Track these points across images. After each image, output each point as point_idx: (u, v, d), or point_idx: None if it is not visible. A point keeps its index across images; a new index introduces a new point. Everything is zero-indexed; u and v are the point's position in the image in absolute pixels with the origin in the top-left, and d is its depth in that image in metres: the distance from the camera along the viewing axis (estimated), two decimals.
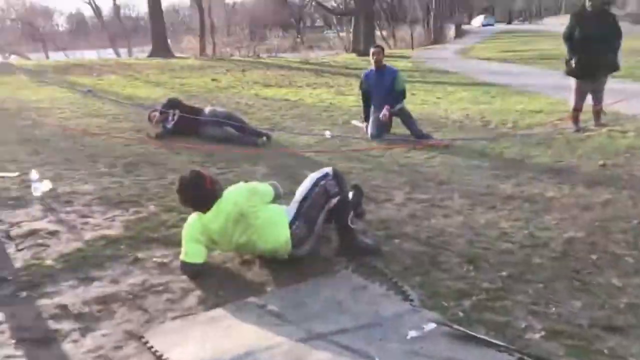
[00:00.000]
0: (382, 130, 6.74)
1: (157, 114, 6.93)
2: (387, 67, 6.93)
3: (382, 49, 6.95)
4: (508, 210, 4.15)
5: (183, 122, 6.66)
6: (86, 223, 3.86)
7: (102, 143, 6.42)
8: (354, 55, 26.00)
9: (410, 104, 8.94)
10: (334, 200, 3.25)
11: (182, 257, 3.13)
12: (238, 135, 6.47)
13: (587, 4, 6.65)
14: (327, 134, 6.98)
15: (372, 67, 6.93)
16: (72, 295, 2.88)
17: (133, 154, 5.86)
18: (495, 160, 5.73)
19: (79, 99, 9.71)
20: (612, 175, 5.00)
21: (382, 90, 6.79)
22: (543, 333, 2.52)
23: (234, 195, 3.16)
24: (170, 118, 6.78)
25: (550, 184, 4.82)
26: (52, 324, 2.61)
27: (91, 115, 8.18)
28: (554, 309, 2.75)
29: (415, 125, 6.68)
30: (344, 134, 7.08)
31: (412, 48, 33.03)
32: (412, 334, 2.44)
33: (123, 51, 36.97)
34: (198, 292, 2.92)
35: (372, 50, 6.93)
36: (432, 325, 2.49)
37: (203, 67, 16.92)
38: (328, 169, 3.34)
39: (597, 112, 6.93)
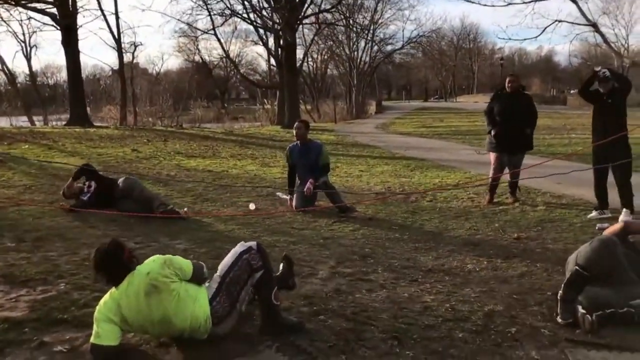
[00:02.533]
0: (307, 202, 6.77)
1: (70, 187, 6.63)
2: (312, 141, 7.05)
3: (306, 124, 7.07)
4: (430, 284, 4.20)
5: (99, 195, 6.41)
6: None
7: (10, 215, 6.05)
8: (278, 127, 26.39)
9: (334, 177, 9.13)
10: (258, 275, 3.17)
11: (92, 339, 2.91)
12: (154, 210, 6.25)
13: (507, 86, 7.15)
14: (252, 206, 6.93)
15: (297, 141, 7.03)
16: None
17: (44, 227, 5.54)
18: (416, 232, 5.86)
19: None
20: (526, 248, 5.21)
21: (307, 164, 6.87)
22: None
23: (147, 266, 3.01)
24: (85, 190, 6.51)
25: (469, 256, 4.95)
26: None
27: (0, 186, 7.74)
28: None
29: (339, 197, 6.77)
30: (268, 206, 7.06)
31: (335, 122, 34.02)
32: None
33: (38, 119, 35.75)
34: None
35: (295, 125, 7.04)
36: None
37: (123, 136, 16.58)
38: (252, 243, 3.28)
39: (513, 188, 7.29)
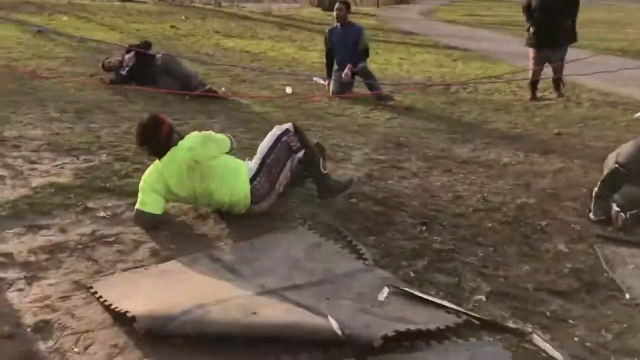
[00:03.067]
0: (344, 88, 6.68)
1: (111, 60, 6.65)
2: (352, 24, 6.82)
3: (347, 5, 6.79)
4: (463, 174, 4.21)
5: (137, 69, 6.41)
6: (34, 169, 3.71)
7: (53, 86, 6.15)
8: (319, 9, 25.45)
9: (373, 64, 8.89)
10: (298, 155, 3.23)
11: (137, 205, 3.06)
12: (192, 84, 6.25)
13: None
14: (288, 89, 6.88)
15: (337, 23, 6.80)
16: (17, 243, 2.78)
17: (86, 100, 5.64)
18: (454, 123, 5.78)
19: (28, 39, 9.22)
20: (566, 144, 5.12)
21: (346, 48, 6.70)
22: (490, 295, 2.58)
23: (189, 141, 3.08)
24: (125, 64, 6.52)
25: (506, 150, 4.90)
26: None
27: (42, 57, 7.79)
28: (502, 272, 2.82)
29: (377, 85, 6.65)
30: (305, 91, 7.00)
31: (378, 6, 32.62)
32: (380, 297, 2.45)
33: None
34: (150, 245, 2.86)
35: (336, 6, 6.77)
36: (386, 290, 2.50)
37: (162, 12, 16.29)
38: (288, 125, 3.29)
39: (557, 83, 7.02)
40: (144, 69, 6.39)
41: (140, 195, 3.06)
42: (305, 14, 22.47)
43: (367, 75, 6.64)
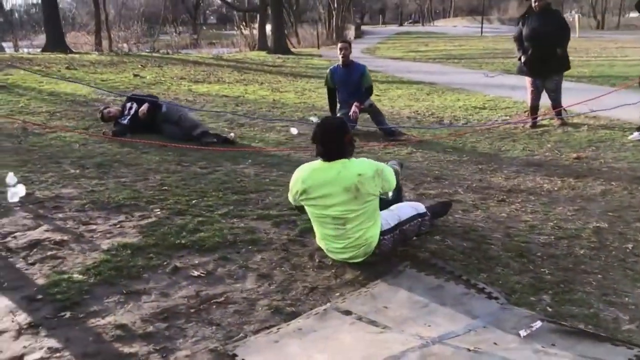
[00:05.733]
0: (351, 127, 6.64)
1: (110, 110, 6.37)
2: (354, 63, 6.84)
3: (350, 44, 6.83)
4: (519, 204, 4.21)
5: (138, 117, 6.16)
6: (92, 230, 3.43)
7: (52, 142, 5.79)
8: (264, 53, 25.59)
9: None
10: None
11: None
12: (202, 134, 6.04)
13: (533, 4, 6.90)
14: (293, 130, 6.78)
15: (339, 63, 6.80)
16: (125, 312, 2.52)
17: (97, 154, 5.32)
18: (472, 154, 5.83)
19: None
20: (591, 167, 5.23)
21: (350, 87, 6.70)
22: (637, 323, 2.54)
23: (362, 166, 2.97)
24: (126, 112, 6.25)
25: (539, 176, 4.96)
26: (122, 347, 2.26)
27: (22, 112, 7.36)
28: (626, 298, 2.79)
29: (385, 121, 6.66)
30: (306, 130, 6.90)
31: (318, 47, 33.20)
32: (523, 333, 2.36)
33: (7, 45, 33.97)
34: (264, 302, 2.67)
35: (339, 44, 6.79)
36: (539, 323, 2.42)
37: (113, 62, 15.89)
38: (425, 210, 3.29)
39: (558, 111, 7.18)
40: (147, 118, 6.15)
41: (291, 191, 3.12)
42: (253, 57, 22.50)
43: (375, 112, 6.64)
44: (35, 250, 3.12)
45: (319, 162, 3.04)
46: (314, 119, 7.55)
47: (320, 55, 24.36)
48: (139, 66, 14.99)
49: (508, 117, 7.92)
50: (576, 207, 4.13)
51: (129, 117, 6.22)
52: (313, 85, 12.55)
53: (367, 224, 2.97)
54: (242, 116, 7.64)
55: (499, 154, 5.83)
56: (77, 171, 4.72)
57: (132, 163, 5.05)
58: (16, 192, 3.87)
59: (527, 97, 7.28)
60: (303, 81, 13.38)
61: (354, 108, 6.54)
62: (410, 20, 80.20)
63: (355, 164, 2.97)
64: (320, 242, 3.15)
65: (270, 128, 7.10)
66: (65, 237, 3.29)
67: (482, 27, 39.73)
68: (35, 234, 3.34)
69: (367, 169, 2.95)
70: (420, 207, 3.29)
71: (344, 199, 2.91)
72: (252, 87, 11.76)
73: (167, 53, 23.40)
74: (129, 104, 6.31)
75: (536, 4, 6.91)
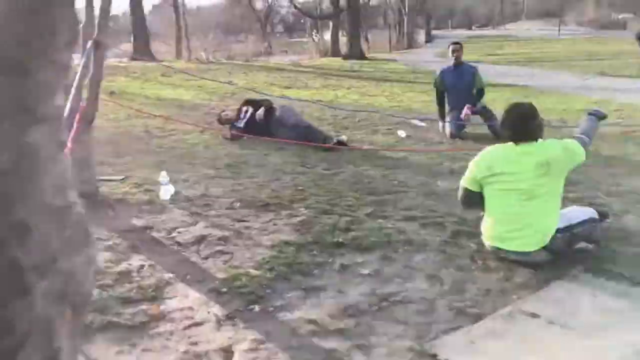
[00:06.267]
0: (461, 129, 6.57)
1: (228, 113, 6.57)
2: (465, 64, 6.76)
3: (461, 45, 6.76)
4: None
5: (254, 122, 6.32)
6: (248, 227, 3.53)
7: (175, 144, 6.02)
8: (338, 59, 25.70)
9: None
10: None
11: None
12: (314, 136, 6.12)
13: None
14: (401, 133, 6.76)
15: (451, 64, 6.74)
16: (309, 308, 2.57)
17: (222, 155, 5.50)
18: (597, 157, 5.56)
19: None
20: None
21: (461, 88, 6.63)
22: None
23: (552, 143, 3.08)
24: (242, 116, 6.42)
25: None
26: (320, 342, 2.30)
27: (138, 117, 7.70)
28: None
29: (497, 122, 6.53)
30: (411, 133, 6.87)
31: (390, 51, 33.13)
32: None
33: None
34: (443, 302, 2.66)
35: (452, 47, 6.74)
36: None
37: (201, 69, 16.39)
38: (595, 214, 3.22)
39: None
40: (262, 120, 6.29)
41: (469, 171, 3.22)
42: (329, 63, 22.67)
43: (489, 115, 6.53)
44: (203, 245, 3.25)
45: (509, 144, 3.10)
46: (418, 123, 7.52)
47: (395, 60, 24.28)
48: (227, 72, 15.39)
49: (621, 120, 7.60)
50: None
51: (244, 120, 6.39)
52: (401, 89, 12.51)
53: (550, 207, 2.99)
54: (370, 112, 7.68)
55: (625, 157, 5.59)
56: (211, 171, 4.89)
57: (259, 164, 5.18)
58: (168, 189, 4.03)
59: None
60: (388, 85, 13.36)
61: (465, 110, 6.46)
62: (478, 25, 78.69)
63: (544, 143, 3.08)
64: (489, 229, 3.13)
65: (374, 131, 7.11)
66: (227, 234, 3.41)
67: (559, 29, 38.52)
68: (197, 230, 3.47)
69: (556, 145, 3.07)
70: (592, 212, 3.20)
71: (534, 173, 2.96)
72: (340, 91, 11.84)
73: (247, 60, 23.91)
74: (244, 108, 6.48)
75: None
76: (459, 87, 6.64)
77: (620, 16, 57.63)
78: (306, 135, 6.04)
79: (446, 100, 6.85)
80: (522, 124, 3.05)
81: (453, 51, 6.66)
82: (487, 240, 3.16)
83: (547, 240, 2.98)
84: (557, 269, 2.98)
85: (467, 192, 3.23)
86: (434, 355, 2.22)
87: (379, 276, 2.91)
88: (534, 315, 2.51)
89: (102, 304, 2.52)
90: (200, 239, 3.32)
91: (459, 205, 3.67)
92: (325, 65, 20.64)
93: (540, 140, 3.06)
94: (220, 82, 12.63)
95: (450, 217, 3.74)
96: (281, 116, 6.32)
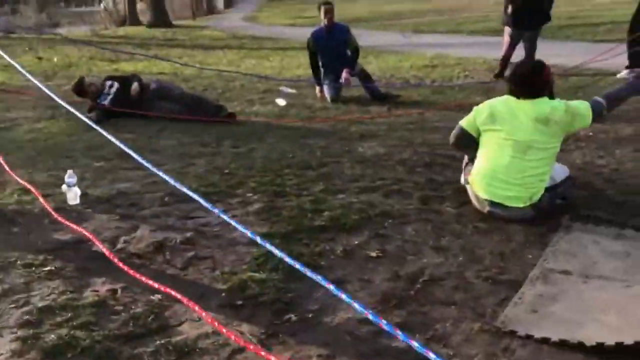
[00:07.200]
0: (339, 92, 6.44)
1: (94, 81, 5.66)
2: (337, 24, 6.56)
3: (333, 6, 6.50)
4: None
5: (124, 96, 5.51)
6: (205, 225, 3.02)
7: (34, 137, 5.01)
8: (141, 27, 23.87)
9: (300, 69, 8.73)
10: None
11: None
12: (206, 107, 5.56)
13: None
14: (281, 101, 6.43)
15: (322, 24, 6.49)
16: (347, 305, 2.24)
17: (101, 143, 4.60)
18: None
19: None
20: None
21: (334, 50, 6.44)
22: None
23: (554, 102, 3.03)
24: (105, 91, 5.56)
25: None
26: (392, 342, 2.01)
27: None
28: None
29: (376, 86, 6.53)
30: (290, 99, 6.60)
31: (194, 18, 31.80)
32: None
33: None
34: (470, 273, 2.51)
35: (324, 7, 6.42)
36: None
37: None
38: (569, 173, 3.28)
39: None
40: (136, 96, 5.51)
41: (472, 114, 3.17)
42: (136, 32, 20.99)
43: (366, 77, 6.46)
44: (167, 253, 2.69)
45: (512, 97, 3.07)
46: (287, 89, 7.25)
47: (207, 26, 23.32)
48: (26, 49, 13.44)
49: (467, 73, 8.12)
50: None
51: (110, 96, 5.53)
52: (237, 55, 12.06)
53: (543, 164, 3.00)
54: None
55: None
56: (103, 163, 4.14)
57: (153, 149, 4.53)
58: (76, 192, 3.29)
59: (503, 48, 7.41)
60: (221, 53, 12.78)
61: (344, 74, 6.33)
62: None
63: (549, 101, 3.03)
64: (478, 176, 3.09)
65: (250, 101, 6.69)
66: (187, 235, 2.87)
67: None
68: (146, 236, 2.88)
69: (560, 105, 3.01)
70: (567, 169, 3.28)
71: (532, 127, 2.96)
72: (164, 64, 10.94)
73: (39, 33, 21.17)
74: (108, 83, 5.61)
75: None
76: (332, 49, 6.45)
77: None
78: (196, 107, 5.45)
79: (320, 62, 6.62)
80: (526, 80, 3.03)
81: (326, 12, 6.38)
82: (474, 187, 3.12)
83: (535, 199, 3.00)
84: (545, 221, 3.00)
85: (464, 133, 3.21)
86: (513, 332, 2.06)
87: (388, 256, 2.66)
88: (566, 272, 2.48)
89: (101, 350, 1.92)
90: (159, 246, 2.75)
91: (400, 169, 3.76)
92: (137, 35, 19.09)
93: (545, 97, 3.03)
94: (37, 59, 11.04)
95: (404, 183, 3.60)
96: (159, 89, 5.61)
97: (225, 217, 2.46)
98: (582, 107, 3.06)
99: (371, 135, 4.91)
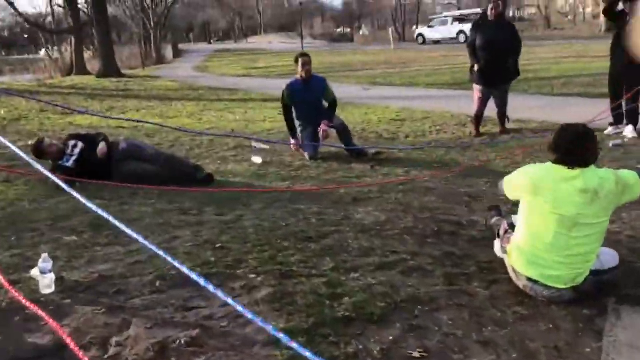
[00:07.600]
0: (317, 149, 6.15)
1: (54, 142, 5.14)
2: (314, 76, 6.32)
3: (310, 58, 6.26)
4: None
5: (90, 158, 5.04)
6: (209, 318, 2.58)
7: None
8: (90, 77, 23.21)
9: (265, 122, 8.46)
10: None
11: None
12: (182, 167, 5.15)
13: (490, 12, 6.96)
14: (257, 159, 6.07)
15: (299, 76, 6.23)
16: None
17: (68, 212, 4.18)
18: (469, 170, 5.59)
19: None
20: None
21: (311, 103, 6.19)
22: None
23: (603, 171, 2.76)
24: (68, 151, 5.07)
25: None
26: None
27: None
28: None
29: (353, 141, 6.28)
30: (273, 158, 6.25)
31: (143, 68, 31.31)
32: None
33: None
34: None
35: (302, 59, 6.17)
36: None
37: None
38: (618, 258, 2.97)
39: (502, 118, 7.36)
40: (104, 158, 5.05)
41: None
42: (85, 82, 20.37)
43: (346, 132, 6.19)
44: (174, 359, 2.24)
45: (558, 166, 2.75)
46: (259, 145, 6.89)
47: (158, 77, 22.89)
48: None
49: (439, 128, 8.01)
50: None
51: (73, 157, 5.04)
52: (196, 108, 11.71)
53: (591, 242, 2.74)
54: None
55: (487, 166, 5.73)
56: (75, 238, 3.65)
57: (130, 219, 4.04)
58: (52, 278, 2.80)
59: (474, 106, 7.34)
60: (180, 105, 12.39)
61: (323, 127, 6.06)
62: (217, 38, 79.56)
63: (597, 170, 2.76)
64: (518, 252, 2.84)
65: (223, 159, 6.31)
66: (192, 333, 2.43)
67: (302, 42, 40.69)
68: (142, 335, 2.41)
69: (609, 175, 2.74)
70: (617, 256, 2.96)
71: (579, 200, 2.67)
72: (135, 114, 10.53)
73: None
74: (72, 142, 5.12)
75: (493, 12, 6.91)
76: (309, 102, 6.19)
77: (346, 30, 63.94)
78: (171, 168, 5.02)
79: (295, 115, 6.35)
80: (578, 147, 2.71)
81: (304, 64, 6.13)
82: (512, 259, 2.87)
83: (579, 281, 2.74)
84: (587, 303, 2.72)
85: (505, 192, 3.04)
86: None
87: (433, 356, 2.30)
88: None
89: None
90: (162, 350, 2.30)
91: (410, 240, 3.52)
92: (87, 85, 18.52)
93: (592, 166, 2.75)
94: None
95: (420, 258, 3.28)
96: (129, 149, 5.15)
97: (249, 314, 2.03)
98: (631, 177, 2.79)
99: (364, 198, 4.60)
